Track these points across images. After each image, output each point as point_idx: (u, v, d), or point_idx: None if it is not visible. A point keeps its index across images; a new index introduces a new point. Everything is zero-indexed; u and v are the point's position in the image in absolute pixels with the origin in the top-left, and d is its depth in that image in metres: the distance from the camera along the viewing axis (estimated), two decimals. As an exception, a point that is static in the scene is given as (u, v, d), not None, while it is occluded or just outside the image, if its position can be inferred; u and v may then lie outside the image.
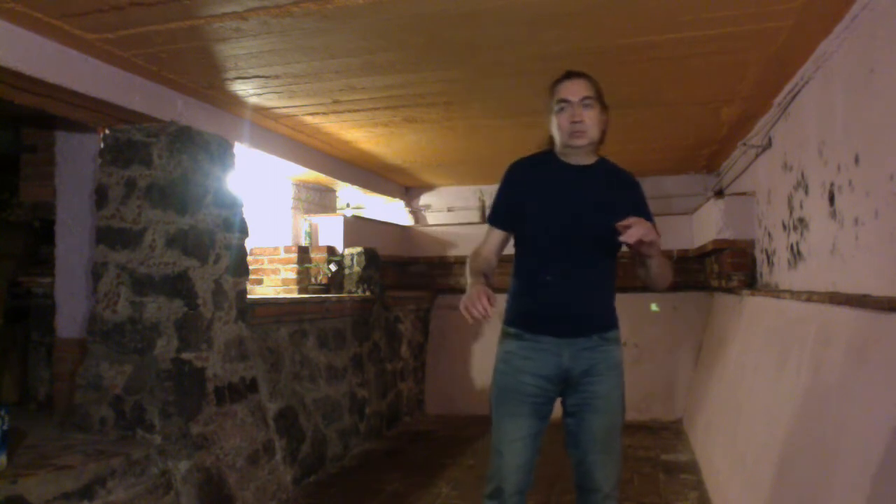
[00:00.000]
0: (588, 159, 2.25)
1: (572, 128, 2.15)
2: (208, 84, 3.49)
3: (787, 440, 2.68)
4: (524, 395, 2.19)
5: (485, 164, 5.90)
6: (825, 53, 2.86)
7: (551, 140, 2.28)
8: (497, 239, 2.32)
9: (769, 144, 3.98)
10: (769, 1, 2.57)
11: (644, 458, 4.50)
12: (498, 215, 2.32)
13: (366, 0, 2.53)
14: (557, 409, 2.29)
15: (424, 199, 7.36)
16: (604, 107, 2.21)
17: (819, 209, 3.00)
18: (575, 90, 2.16)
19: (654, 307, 6.03)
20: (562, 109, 2.16)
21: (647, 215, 2.20)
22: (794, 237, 3.48)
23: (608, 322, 2.25)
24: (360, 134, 4.74)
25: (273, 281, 5.07)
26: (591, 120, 2.15)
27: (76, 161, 3.81)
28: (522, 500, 2.24)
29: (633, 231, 1.95)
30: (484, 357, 6.18)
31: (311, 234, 5.63)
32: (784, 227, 3.68)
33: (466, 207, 7.16)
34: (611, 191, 2.24)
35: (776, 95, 3.68)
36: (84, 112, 3.24)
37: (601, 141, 2.24)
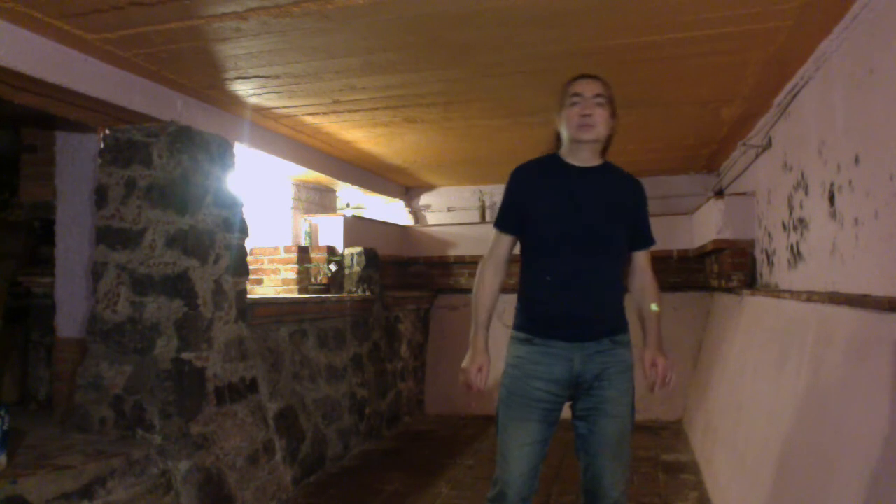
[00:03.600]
0: (593, 160, 2.25)
1: (582, 120, 2.16)
2: (208, 84, 3.49)
3: (787, 440, 2.67)
4: (534, 400, 2.17)
5: (485, 164, 5.90)
6: (825, 53, 2.86)
7: (557, 143, 2.30)
8: (506, 244, 2.31)
9: (769, 144, 3.98)
10: (769, 1, 2.57)
11: (644, 458, 4.50)
12: (505, 219, 2.30)
13: (366, 0, 2.53)
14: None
15: (424, 199, 7.36)
16: (614, 112, 2.23)
17: (819, 209, 3.00)
18: (589, 87, 2.19)
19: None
20: (574, 103, 2.19)
21: (645, 219, 2.31)
22: (794, 237, 3.48)
23: (618, 325, 2.25)
24: (360, 134, 4.74)
25: (273, 281, 5.07)
26: (600, 117, 2.18)
27: (76, 161, 3.80)
28: None
29: (660, 382, 2.20)
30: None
31: (311, 234, 5.63)
32: (784, 227, 3.68)
33: (466, 207, 7.16)
34: (615, 192, 2.25)
35: (776, 95, 3.68)
36: (84, 112, 3.24)
37: (607, 145, 2.27)
